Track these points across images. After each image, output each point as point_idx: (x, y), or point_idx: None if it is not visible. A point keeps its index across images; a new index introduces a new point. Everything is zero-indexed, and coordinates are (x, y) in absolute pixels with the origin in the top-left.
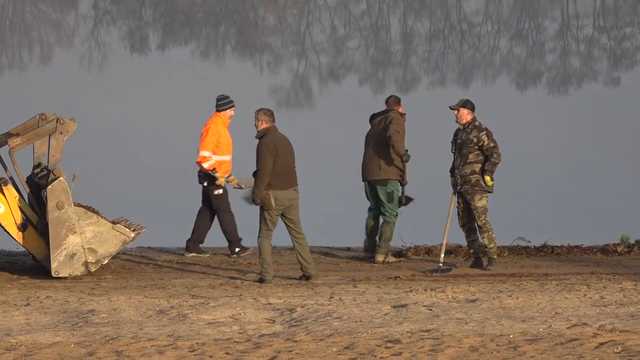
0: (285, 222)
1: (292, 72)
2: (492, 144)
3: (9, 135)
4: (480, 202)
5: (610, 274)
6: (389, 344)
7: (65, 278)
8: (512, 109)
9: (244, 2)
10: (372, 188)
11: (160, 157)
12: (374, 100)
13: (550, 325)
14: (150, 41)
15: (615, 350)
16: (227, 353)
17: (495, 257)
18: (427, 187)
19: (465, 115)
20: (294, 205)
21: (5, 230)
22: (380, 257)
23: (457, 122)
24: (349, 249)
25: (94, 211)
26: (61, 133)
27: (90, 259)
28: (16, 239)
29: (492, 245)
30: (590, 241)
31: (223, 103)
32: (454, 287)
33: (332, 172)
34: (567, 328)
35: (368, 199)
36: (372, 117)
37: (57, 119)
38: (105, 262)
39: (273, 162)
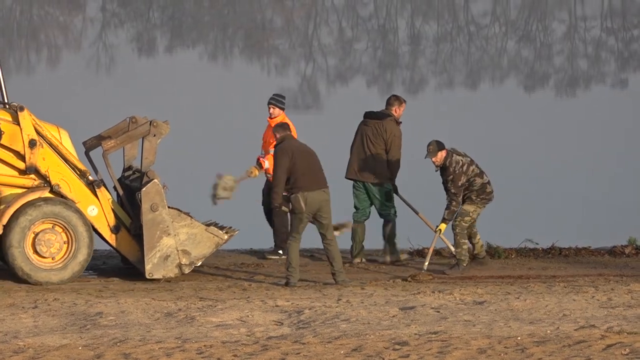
0: (316, 226)
1: (300, 74)
2: (452, 190)
3: (101, 138)
4: (467, 205)
5: (618, 276)
6: (397, 346)
7: (158, 280)
8: (520, 111)
9: (252, 5)
10: (367, 188)
11: (166, 159)
12: (381, 102)
13: (558, 327)
14: (157, 44)
15: (622, 352)
16: (234, 355)
17: (464, 264)
18: (433, 189)
19: (440, 157)
20: (323, 207)
21: (98, 233)
22: (393, 257)
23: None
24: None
25: (186, 214)
26: (154, 136)
27: (184, 260)
28: (109, 241)
29: (459, 250)
30: (598, 243)
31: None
32: (461, 289)
33: (338, 175)
34: (575, 330)
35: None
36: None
37: (151, 122)
38: (198, 264)
39: (289, 165)
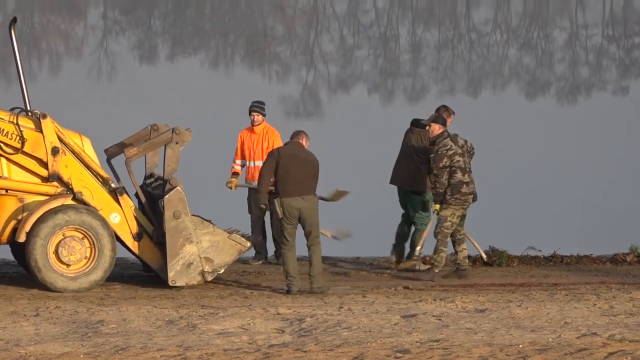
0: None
1: (301, 82)
2: (434, 170)
3: (123, 145)
4: (443, 211)
5: (619, 284)
6: (399, 354)
7: (180, 287)
8: (521, 119)
9: (253, 12)
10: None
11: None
12: (382, 109)
13: (560, 335)
14: (159, 51)
15: None
16: None
17: (436, 270)
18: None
19: (433, 129)
20: (304, 214)
21: (120, 241)
22: (408, 264)
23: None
24: (358, 258)
25: (208, 221)
26: (177, 143)
27: (207, 268)
28: (132, 248)
29: (434, 256)
30: (600, 251)
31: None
32: (463, 297)
33: (340, 182)
34: (577, 338)
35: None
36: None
37: (173, 129)
38: (221, 272)
39: (273, 166)
